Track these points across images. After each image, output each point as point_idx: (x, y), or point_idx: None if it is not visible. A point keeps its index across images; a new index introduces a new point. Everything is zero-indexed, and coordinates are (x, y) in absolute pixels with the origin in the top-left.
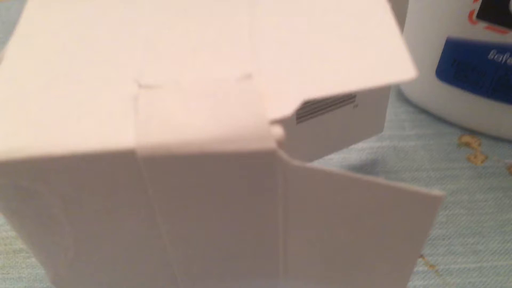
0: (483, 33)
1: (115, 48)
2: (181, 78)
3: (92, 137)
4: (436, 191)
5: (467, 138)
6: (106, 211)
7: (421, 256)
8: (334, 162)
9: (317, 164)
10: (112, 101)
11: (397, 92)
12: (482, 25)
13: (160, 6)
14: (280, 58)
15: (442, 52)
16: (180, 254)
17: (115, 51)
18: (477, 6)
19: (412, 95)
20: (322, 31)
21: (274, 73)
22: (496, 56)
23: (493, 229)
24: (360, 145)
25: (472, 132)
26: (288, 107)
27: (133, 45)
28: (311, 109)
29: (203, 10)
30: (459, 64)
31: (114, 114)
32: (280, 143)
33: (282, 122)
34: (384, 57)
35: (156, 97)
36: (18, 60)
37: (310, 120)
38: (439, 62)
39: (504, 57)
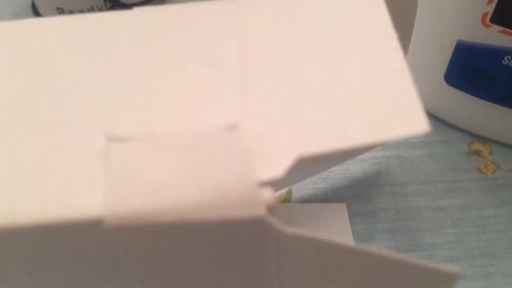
0: (497, 37)
1: (81, 91)
2: (157, 128)
3: (53, 203)
4: (451, 268)
5: (477, 146)
6: (76, 274)
7: None
8: (336, 174)
9: (321, 177)
10: (78, 157)
11: None
12: (496, 28)
13: (136, 42)
14: (272, 103)
15: (452, 56)
16: None
17: (82, 95)
18: (491, 8)
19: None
20: (321, 71)
21: (265, 122)
22: (510, 62)
23: (505, 249)
24: (365, 155)
25: (483, 139)
26: (280, 165)
27: (103, 87)
28: None
29: (185, 45)
30: (470, 69)
31: (79, 174)
32: (271, 208)
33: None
34: (391, 105)
35: (128, 152)
36: None
37: None
38: (448, 66)
39: None
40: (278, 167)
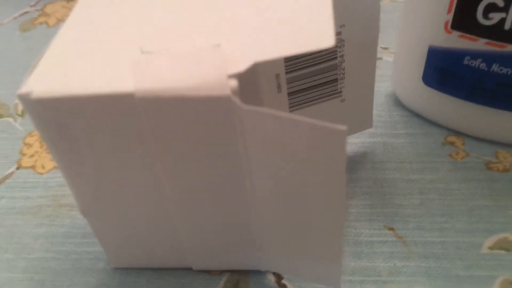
0: (458, 41)
1: (132, 28)
2: (172, 47)
3: (105, 85)
4: (339, 126)
5: (452, 138)
6: (114, 146)
7: (392, 229)
8: None
9: None
10: (124, 64)
11: (394, 98)
12: (456, 34)
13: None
14: (242, 32)
15: (426, 60)
16: (169, 178)
17: (132, 30)
18: (450, 17)
19: (405, 99)
20: (271, 12)
21: (237, 43)
22: (470, 62)
23: (462, 213)
24: (354, 140)
25: (458, 133)
26: (242, 66)
27: (144, 24)
28: (301, 100)
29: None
30: (441, 70)
31: (123, 70)
32: (235, 92)
33: (240, 77)
34: (312, 29)
35: (153, 59)
36: (70, 29)
37: (301, 110)
38: (424, 68)
39: (477, 62)
40: (241, 67)
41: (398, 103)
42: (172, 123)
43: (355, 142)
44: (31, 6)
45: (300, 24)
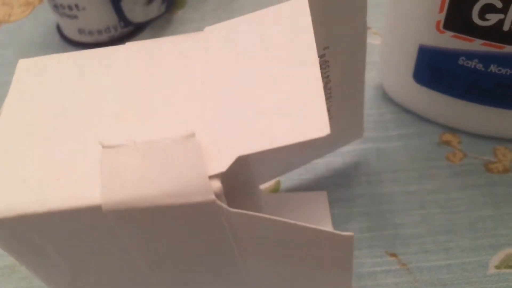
0: (451, 41)
1: (87, 114)
2: (138, 138)
3: (66, 196)
4: (346, 233)
5: (448, 136)
6: (88, 252)
7: (394, 255)
8: (319, 166)
9: (306, 169)
10: (83, 162)
11: (382, 92)
12: (449, 34)
13: (125, 73)
14: (222, 117)
15: (417, 59)
16: (154, 278)
17: (87, 116)
18: (442, 16)
19: (395, 96)
20: (258, 94)
21: (215, 130)
22: (465, 62)
23: (465, 227)
24: (345, 148)
25: (453, 130)
26: (224, 163)
27: (102, 110)
28: None
29: (163, 76)
30: (433, 69)
31: (84, 174)
32: (219, 195)
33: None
34: (304, 116)
35: (117, 156)
36: (9, 125)
37: None
38: (415, 67)
39: (473, 62)
40: (223, 164)
41: (386, 97)
42: (150, 231)
43: (347, 151)
44: None
45: (289, 111)
